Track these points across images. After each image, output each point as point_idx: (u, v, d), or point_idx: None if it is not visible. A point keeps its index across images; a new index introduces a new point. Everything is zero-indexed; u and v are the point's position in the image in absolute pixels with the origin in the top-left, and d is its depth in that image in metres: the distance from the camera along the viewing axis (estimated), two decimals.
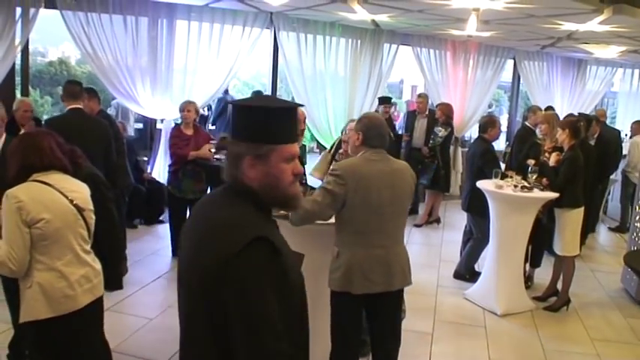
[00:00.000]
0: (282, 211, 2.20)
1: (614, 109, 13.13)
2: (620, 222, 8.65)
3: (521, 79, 10.44)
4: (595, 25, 6.93)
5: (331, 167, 3.73)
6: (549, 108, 8.81)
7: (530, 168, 5.44)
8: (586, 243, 7.59)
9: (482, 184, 5.37)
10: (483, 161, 5.66)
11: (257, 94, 9.72)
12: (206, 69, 7.88)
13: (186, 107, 5.91)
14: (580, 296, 5.76)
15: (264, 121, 1.63)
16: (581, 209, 5.32)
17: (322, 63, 8.60)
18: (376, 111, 8.17)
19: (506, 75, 10.90)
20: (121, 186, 5.41)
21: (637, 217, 5.89)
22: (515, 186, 5.18)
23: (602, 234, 8.71)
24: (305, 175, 4.83)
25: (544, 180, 5.34)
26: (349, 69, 8.78)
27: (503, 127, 9.80)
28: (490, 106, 19.29)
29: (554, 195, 5.19)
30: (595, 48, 8.47)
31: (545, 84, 10.38)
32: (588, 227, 7.35)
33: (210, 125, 11.29)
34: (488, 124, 5.78)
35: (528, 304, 5.45)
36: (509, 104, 11.68)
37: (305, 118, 4.11)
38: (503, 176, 5.47)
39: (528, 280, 6.02)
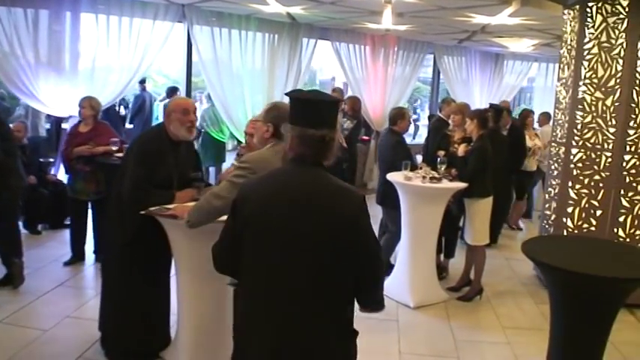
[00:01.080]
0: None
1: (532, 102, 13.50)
2: (527, 209, 8.86)
3: (441, 74, 10.55)
4: (505, 17, 7.03)
5: (238, 160, 3.56)
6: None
7: (439, 159, 5.43)
8: (502, 232, 7.71)
9: (392, 177, 5.32)
10: (394, 153, 5.60)
11: (172, 90, 9.48)
12: (115, 64, 7.54)
13: (82, 103, 5.59)
14: (493, 285, 5.79)
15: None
16: (490, 199, 5.35)
17: (239, 58, 8.40)
18: None
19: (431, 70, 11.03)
20: (14, 188, 5.06)
21: (547, 205, 5.97)
22: (424, 177, 5.14)
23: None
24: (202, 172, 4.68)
25: (453, 170, 5.33)
26: (267, 64, 8.63)
27: (425, 121, 9.86)
28: (416, 101, 19.68)
29: (462, 185, 5.19)
30: (509, 41, 8.62)
31: (465, 78, 10.54)
32: (502, 216, 7.45)
33: (127, 124, 10.95)
34: (398, 116, 5.74)
35: (442, 296, 5.44)
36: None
37: (195, 109, 3.91)
38: (414, 168, 5.44)
39: (443, 271, 6.02)
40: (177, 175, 3.83)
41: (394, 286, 5.40)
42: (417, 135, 15.40)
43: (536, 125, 8.78)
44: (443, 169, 5.34)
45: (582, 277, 3.02)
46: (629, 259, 3.43)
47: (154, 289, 3.93)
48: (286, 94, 2.23)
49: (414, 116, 14.43)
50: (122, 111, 11.14)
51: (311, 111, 2.13)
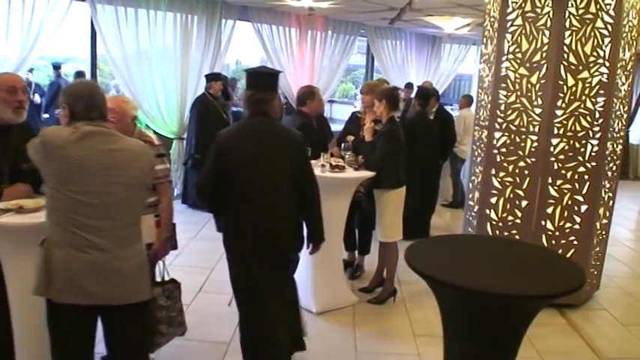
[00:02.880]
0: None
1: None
2: (453, 198, 8.42)
3: (375, 59, 9.94)
4: None
5: None
6: (409, 85, 8.36)
7: (342, 145, 4.80)
8: (432, 224, 7.14)
9: None
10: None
11: (79, 75, 8.66)
12: (2, 47, 6.63)
13: None
14: (411, 284, 5.15)
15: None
16: (402, 189, 4.73)
17: (147, 41, 7.56)
18: (206, 89, 7.31)
19: None
20: None
21: (470, 196, 5.39)
22: (323, 166, 4.48)
23: (444, 213, 8.30)
24: None
25: (359, 157, 4.70)
26: (180, 48, 7.80)
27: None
28: (357, 87, 19.08)
29: (368, 174, 4.56)
30: (441, 21, 8.05)
31: (400, 62, 9.94)
32: (428, 208, 6.90)
33: (43, 113, 10.04)
34: (307, 95, 5.06)
35: (351, 299, 4.81)
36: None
37: (24, 87, 3.18)
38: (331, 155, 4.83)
39: (358, 269, 5.41)
40: (9, 167, 3.12)
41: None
42: None
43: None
44: (347, 156, 4.71)
45: (474, 295, 2.41)
46: (541, 267, 2.82)
47: None
48: (244, 70, 3.40)
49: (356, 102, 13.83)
50: (37, 99, 10.17)
51: (260, 80, 3.24)
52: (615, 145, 4.88)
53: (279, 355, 3.35)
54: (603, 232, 5.02)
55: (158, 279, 3.52)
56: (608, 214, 5.02)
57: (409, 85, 8.73)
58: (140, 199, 2.74)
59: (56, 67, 10.38)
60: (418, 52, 10.02)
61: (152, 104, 7.77)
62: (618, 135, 4.89)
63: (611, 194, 4.99)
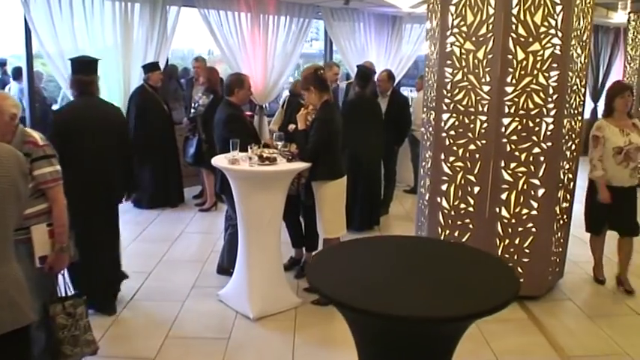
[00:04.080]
0: None
1: None
2: (414, 183, 7.92)
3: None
4: None
5: None
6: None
7: (274, 135, 4.40)
8: (389, 212, 6.75)
9: (216, 160, 4.23)
10: (228, 130, 4.50)
11: (17, 71, 8.13)
12: None
13: None
14: None
15: None
16: (342, 180, 4.34)
17: (84, 34, 7.04)
18: (144, 80, 6.85)
19: None
20: None
21: (422, 182, 5.00)
22: (251, 158, 4.06)
23: (405, 199, 7.86)
24: None
25: (293, 147, 4.29)
26: (120, 37, 7.29)
27: None
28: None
29: (302, 165, 4.16)
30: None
31: (360, 46, 9.49)
32: (379, 195, 6.51)
33: None
34: (235, 83, 4.63)
35: (292, 301, 4.41)
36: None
37: None
38: (266, 146, 4.43)
39: (305, 267, 5.00)
40: None
41: (233, 292, 4.39)
42: None
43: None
44: (280, 146, 4.30)
45: (384, 319, 2.03)
46: (468, 276, 2.43)
47: None
48: (69, 59, 4.31)
49: None
50: None
51: (84, 65, 4.10)
52: (574, 123, 4.51)
53: None
54: (564, 217, 4.65)
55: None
56: (569, 196, 4.66)
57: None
58: (11, 212, 2.30)
59: (2, 63, 9.89)
60: (378, 34, 9.56)
61: None
62: (576, 111, 4.52)
63: (570, 175, 4.62)
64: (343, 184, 4.33)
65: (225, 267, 4.91)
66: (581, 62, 4.44)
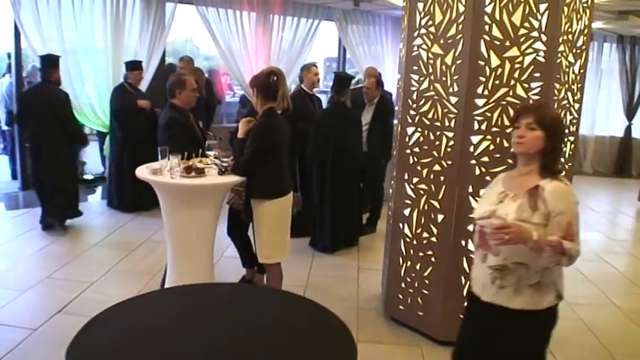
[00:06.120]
0: None
1: None
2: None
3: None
4: None
5: None
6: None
7: (207, 144, 3.91)
8: (377, 231, 6.14)
9: (140, 170, 3.76)
10: (167, 135, 4.03)
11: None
12: None
13: None
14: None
15: None
16: (283, 200, 3.76)
17: (73, 32, 6.76)
18: (124, 79, 6.49)
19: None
20: None
21: (390, 204, 4.37)
22: (171, 168, 3.56)
23: None
24: None
25: (230, 159, 3.77)
26: (111, 34, 6.97)
27: None
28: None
29: (232, 180, 3.64)
30: None
31: (374, 52, 8.88)
32: (373, 214, 5.95)
33: None
34: (176, 85, 4.16)
35: None
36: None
37: None
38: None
39: None
40: None
41: None
42: None
43: None
44: (213, 155, 3.81)
45: None
46: (286, 340, 1.89)
47: None
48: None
49: None
50: None
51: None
52: (563, 145, 3.80)
53: None
54: None
55: None
56: None
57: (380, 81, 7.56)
58: None
59: None
60: (394, 39, 8.93)
61: (81, 97, 7.00)
62: (568, 132, 3.82)
63: None
64: (284, 204, 3.77)
65: None
66: (574, 73, 3.75)
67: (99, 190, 7.74)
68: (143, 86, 6.90)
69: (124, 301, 2.30)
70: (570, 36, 3.62)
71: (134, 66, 6.43)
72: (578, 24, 3.67)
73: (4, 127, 8.15)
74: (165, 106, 4.27)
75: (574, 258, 2.17)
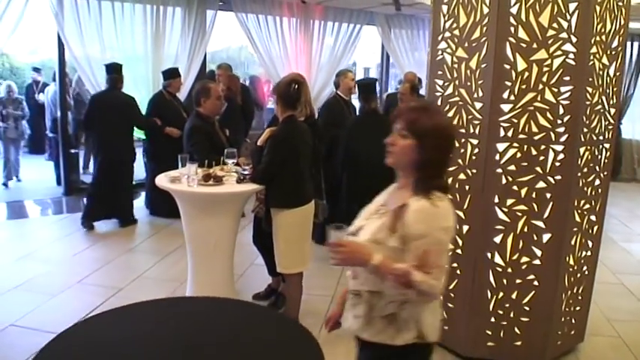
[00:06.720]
0: None
1: None
2: None
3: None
4: None
5: None
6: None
7: (225, 152, 3.89)
8: None
9: (159, 179, 3.77)
10: (191, 143, 4.05)
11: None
12: None
13: None
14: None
15: None
16: (302, 209, 3.69)
17: (113, 38, 6.92)
18: (163, 87, 6.56)
19: None
20: None
21: None
22: (189, 177, 3.56)
23: None
24: None
25: (248, 167, 3.74)
26: (151, 42, 7.10)
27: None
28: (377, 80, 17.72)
29: (251, 188, 3.60)
30: None
31: (419, 56, 8.70)
32: None
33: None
34: (201, 93, 4.17)
35: None
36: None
37: None
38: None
39: (279, 298, 4.43)
40: None
41: None
42: None
43: None
44: (231, 163, 3.78)
45: None
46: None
47: None
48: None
49: None
50: (42, 98, 9.92)
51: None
52: (597, 152, 3.60)
53: None
54: (584, 268, 3.74)
55: None
56: (591, 243, 3.74)
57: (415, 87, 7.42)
58: None
59: (36, 70, 10.67)
60: None
61: None
62: (602, 137, 3.60)
63: (594, 217, 3.70)
64: (304, 213, 3.70)
65: None
66: (608, 76, 3.53)
67: (142, 195, 7.87)
68: (183, 94, 6.97)
69: (92, 316, 2.31)
70: (604, 37, 3.41)
71: (171, 74, 6.48)
72: (612, 24, 3.46)
73: (50, 134, 8.41)
74: (191, 114, 4.28)
75: (428, 295, 1.78)
